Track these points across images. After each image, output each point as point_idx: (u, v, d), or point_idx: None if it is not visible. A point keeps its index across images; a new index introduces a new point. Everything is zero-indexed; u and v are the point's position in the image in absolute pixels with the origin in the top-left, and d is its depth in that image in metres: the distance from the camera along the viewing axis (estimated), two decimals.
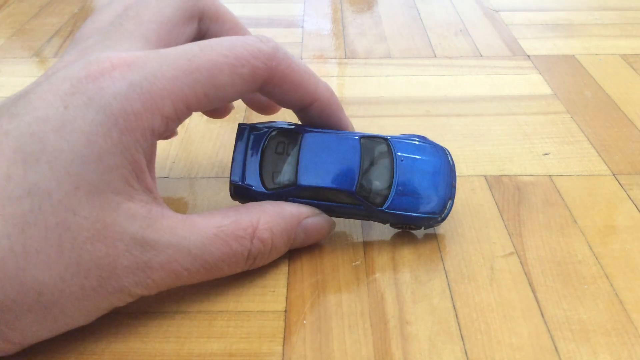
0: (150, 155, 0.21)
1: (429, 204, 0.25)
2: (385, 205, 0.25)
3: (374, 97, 0.38)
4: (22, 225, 0.18)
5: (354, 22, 0.51)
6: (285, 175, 0.25)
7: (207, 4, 0.25)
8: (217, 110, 0.29)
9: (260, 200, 0.24)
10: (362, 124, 0.35)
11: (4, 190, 0.18)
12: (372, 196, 0.25)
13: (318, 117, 0.25)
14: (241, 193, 0.25)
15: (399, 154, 0.25)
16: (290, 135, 0.25)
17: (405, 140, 0.26)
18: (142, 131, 0.20)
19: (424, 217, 0.25)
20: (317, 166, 0.24)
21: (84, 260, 0.19)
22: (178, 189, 0.30)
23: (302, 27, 0.50)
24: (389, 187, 0.25)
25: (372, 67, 0.42)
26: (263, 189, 0.24)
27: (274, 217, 0.23)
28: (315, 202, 0.24)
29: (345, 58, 0.44)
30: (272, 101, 0.25)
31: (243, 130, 0.25)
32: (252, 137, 0.25)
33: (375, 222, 0.27)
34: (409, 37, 0.47)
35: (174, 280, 0.21)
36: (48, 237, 0.18)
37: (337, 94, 0.39)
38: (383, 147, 0.25)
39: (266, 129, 0.25)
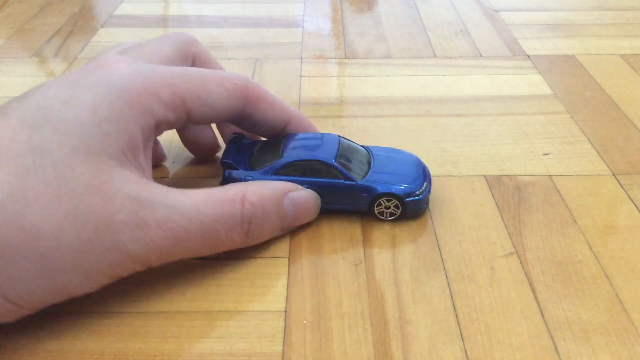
0: (146, 137, 0.22)
1: (405, 181, 0.27)
2: (364, 179, 0.27)
3: (374, 97, 0.38)
4: (22, 177, 0.19)
5: (354, 22, 0.51)
6: (270, 159, 0.27)
7: (199, 50, 0.28)
8: (206, 145, 0.31)
9: (246, 181, 0.27)
10: (362, 124, 0.35)
11: (8, 150, 0.19)
12: (351, 173, 0.27)
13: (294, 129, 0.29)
14: (230, 174, 0.27)
15: (374, 152, 0.29)
16: (276, 139, 0.28)
17: (378, 146, 0.30)
18: (143, 109, 0.22)
19: (403, 190, 0.26)
20: (300, 148, 0.27)
21: (81, 211, 0.20)
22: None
23: (302, 27, 0.50)
24: (367, 171, 0.27)
25: (372, 67, 0.42)
26: (250, 170, 0.27)
27: (259, 187, 0.25)
28: (298, 178, 0.26)
29: (345, 58, 0.44)
30: (254, 129, 0.28)
31: (236, 137, 0.29)
32: (243, 142, 0.29)
33: (376, 224, 0.27)
34: (409, 37, 0.47)
35: (172, 242, 0.21)
36: (47, 188, 0.19)
37: (337, 94, 0.39)
38: (359, 146, 0.29)
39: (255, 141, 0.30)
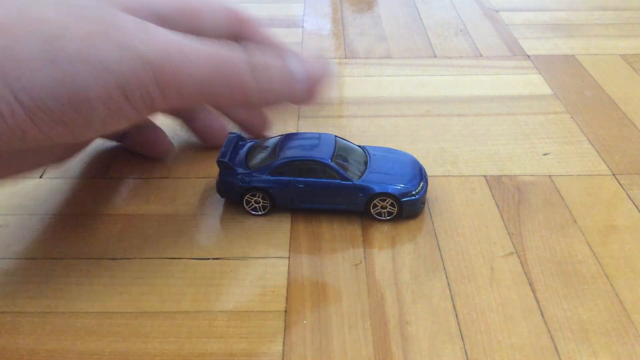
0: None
1: (402, 181, 0.27)
2: (360, 179, 0.27)
3: (374, 97, 0.38)
4: None
5: (354, 22, 0.51)
6: (267, 159, 0.27)
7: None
8: (215, 131, 0.32)
9: (242, 181, 0.27)
10: (362, 124, 0.35)
11: None
12: (348, 173, 0.27)
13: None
14: (226, 174, 0.27)
15: (370, 152, 0.29)
16: (272, 140, 0.29)
17: (374, 146, 0.30)
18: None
19: (399, 190, 0.26)
20: (296, 148, 0.27)
21: (87, 11, 0.20)
22: (178, 189, 0.30)
23: (302, 27, 0.50)
24: (363, 170, 0.27)
25: (372, 67, 0.42)
26: (246, 169, 0.27)
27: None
28: (295, 178, 0.27)
29: (345, 58, 0.44)
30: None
31: (232, 137, 0.29)
32: (239, 142, 0.29)
33: (376, 224, 0.27)
34: (409, 37, 0.47)
35: (181, 58, 0.20)
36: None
37: (337, 94, 0.39)
38: (356, 146, 0.29)
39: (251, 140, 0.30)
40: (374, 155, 0.28)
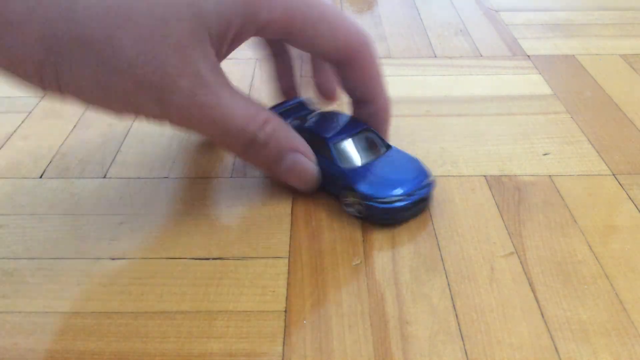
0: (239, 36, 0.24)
1: (383, 184, 0.27)
2: (350, 168, 0.27)
3: None
4: None
5: None
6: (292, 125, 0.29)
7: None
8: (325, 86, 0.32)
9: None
10: None
11: None
12: (344, 159, 0.28)
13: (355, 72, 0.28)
14: None
15: (389, 153, 0.29)
16: (317, 113, 0.30)
17: (403, 151, 0.29)
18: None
19: (367, 190, 0.27)
20: (319, 122, 0.29)
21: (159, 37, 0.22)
22: (178, 189, 0.30)
23: None
24: (364, 164, 0.28)
25: None
26: None
27: (283, 126, 0.27)
28: None
29: None
30: (302, 48, 0.27)
31: (295, 101, 0.31)
32: (301, 109, 0.31)
33: (375, 225, 0.27)
34: (409, 37, 0.47)
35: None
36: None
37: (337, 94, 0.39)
38: (382, 143, 0.29)
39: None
40: (389, 157, 0.28)
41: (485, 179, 0.30)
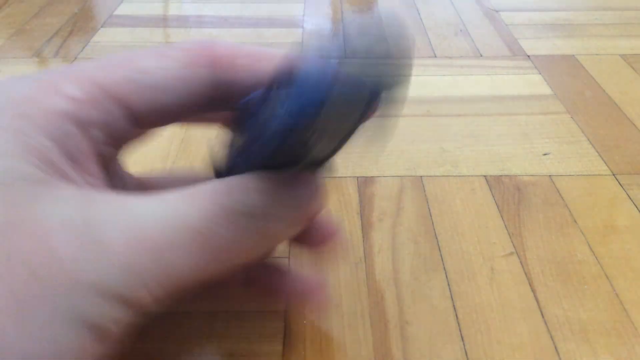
0: (68, 146, 0.16)
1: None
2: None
3: None
4: None
5: (354, 22, 0.51)
6: None
7: (221, 53, 0.20)
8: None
9: None
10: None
11: None
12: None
13: None
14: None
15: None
16: None
17: None
18: (39, 112, 0.15)
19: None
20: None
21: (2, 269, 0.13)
22: None
23: (302, 27, 0.50)
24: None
25: None
26: None
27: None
28: None
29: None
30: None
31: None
32: None
33: (376, 224, 0.27)
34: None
35: (156, 258, 0.14)
36: None
37: None
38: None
39: None
40: None
41: (485, 179, 0.30)
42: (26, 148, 0.14)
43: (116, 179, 0.19)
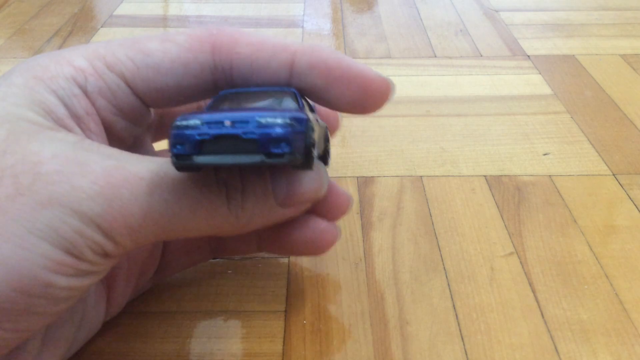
0: (72, 105, 0.17)
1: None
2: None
3: None
4: None
5: (354, 22, 0.51)
6: None
7: (222, 40, 0.20)
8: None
9: None
10: (362, 123, 0.35)
11: None
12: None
13: (314, 76, 0.19)
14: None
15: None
16: None
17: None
18: (50, 76, 0.17)
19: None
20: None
21: None
22: None
23: (303, 27, 0.50)
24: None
25: (372, 67, 0.42)
26: None
27: None
28: None
29: None
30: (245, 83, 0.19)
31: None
32: None
33: (376, 224, 0.27)
34: (409, 37, 0.47)
35: (132, 198, 0.16)
36: None
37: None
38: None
39: None
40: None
41: (485, 179, 0.30)
42: (34, 101, 0.17)
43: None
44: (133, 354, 0.21)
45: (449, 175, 0.31)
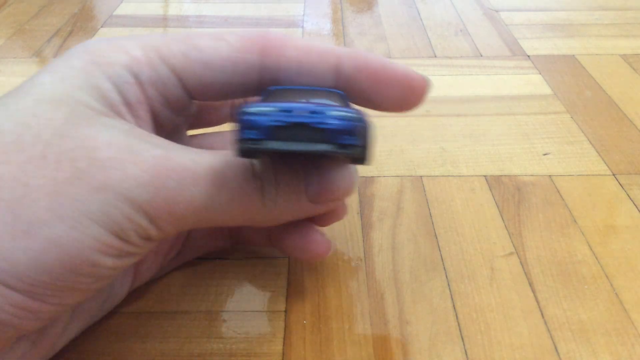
0: (126, 92, 0.18)
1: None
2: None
3: None
4: None
5: (354, 22, 0.51)
6: None
7: (270, 44, 0.21)
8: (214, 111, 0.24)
9: None
10: None
11: None
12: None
13: (361, 79, 0.20)
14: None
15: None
16: None
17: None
18: (108, 62, 0.18)
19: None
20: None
21: (52, 152, 0.16)
22: None
23: (302, 27, 0.50)
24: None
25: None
26: None
27: None
28: None
29: None
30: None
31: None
32: None
33: (376, 224, 0.27)
34: (409, 37, 0.47)
35: (178, 185, 0.17)
36: (3, 137, 0.16)
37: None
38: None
39: None
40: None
41: (485, 179, 0.30)
42: (91, 86, 0.18)
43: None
44: (133, 354, 0.21)
45: (449, 175, 0.31)
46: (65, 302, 0.17)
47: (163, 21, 0.52)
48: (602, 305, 0.23)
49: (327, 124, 0.16)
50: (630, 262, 0.25)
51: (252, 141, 0.16)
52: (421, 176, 0.31)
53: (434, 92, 0.39)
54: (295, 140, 0.16)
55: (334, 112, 0.16)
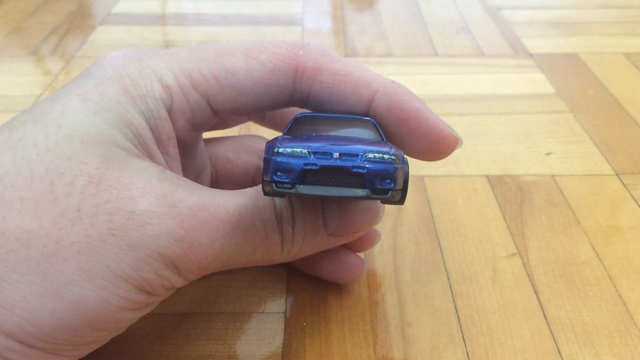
0: (158, 128, 0.18)
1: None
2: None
3: None
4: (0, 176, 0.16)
5: (355, 19, 0.50)
6: None
7: (307, 57, 0.20)
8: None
9: None
10: None
11: None
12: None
13: (392, 121, 0.19)
14: None
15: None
16: None
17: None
18: (140, 93, 0.18)
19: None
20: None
21: (87, 205, 0.16)
22: None
23: (302, 25, 0.49)
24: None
25: (372, 66, 0.42)
26: None
27: None
28: None
29: (346, 56, 0.44)
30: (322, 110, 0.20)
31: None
32: None
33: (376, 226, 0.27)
34: (410, 35, 0.47)
35: (210, 237, 0.17)
36: (35, 184, 0.15)
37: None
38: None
39: None
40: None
41: (488, 179, 0.30)
42: (124, 121, 0.17)
43: (194, 161, 0.21)
44: (132, 355, 0.21)
45: (450, 175, 0.30)
46: (84, 353, 0.17)
47: (161, 19, 0.51)
48: (605, 306, 0.23)
49: (363, 167, 0.15)
50: (634, 263, 0.25)
51: (283, 184, 0.16)
52: (422, 176, 0.30)
53: (435, 91, 0.39)
54: (328, 185, 0.16)
55: (370, 153, 0.16)
